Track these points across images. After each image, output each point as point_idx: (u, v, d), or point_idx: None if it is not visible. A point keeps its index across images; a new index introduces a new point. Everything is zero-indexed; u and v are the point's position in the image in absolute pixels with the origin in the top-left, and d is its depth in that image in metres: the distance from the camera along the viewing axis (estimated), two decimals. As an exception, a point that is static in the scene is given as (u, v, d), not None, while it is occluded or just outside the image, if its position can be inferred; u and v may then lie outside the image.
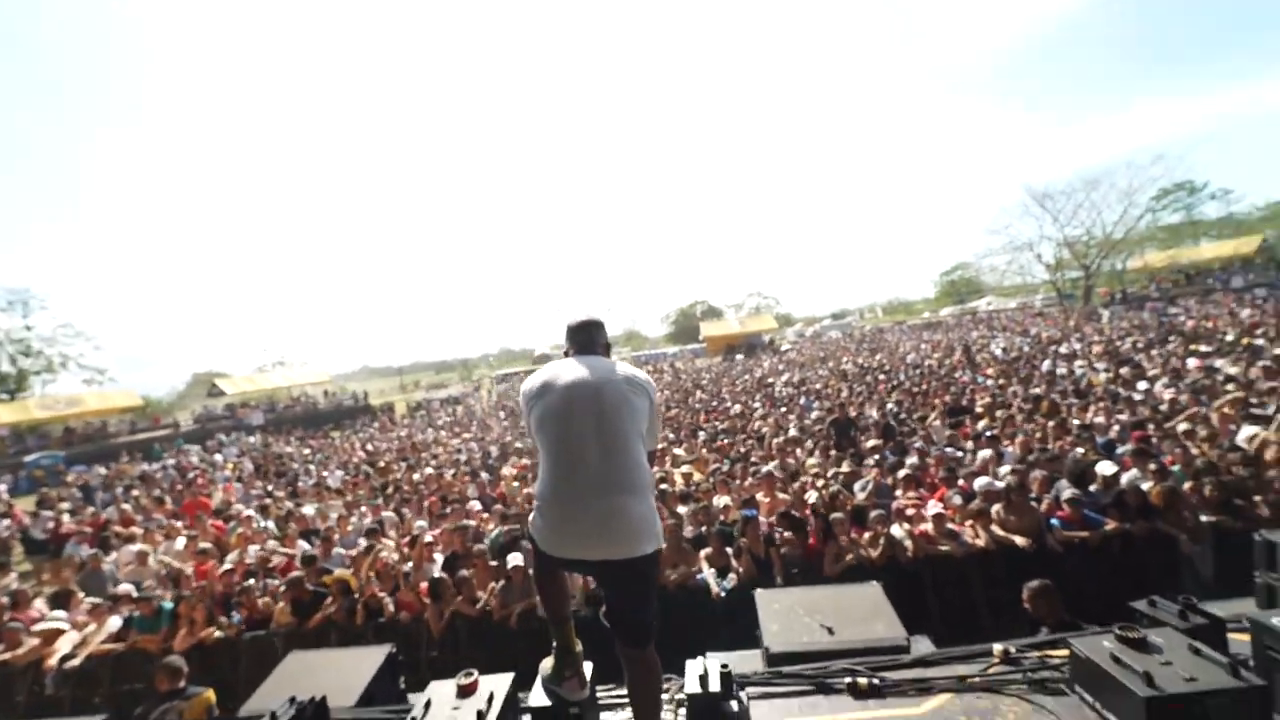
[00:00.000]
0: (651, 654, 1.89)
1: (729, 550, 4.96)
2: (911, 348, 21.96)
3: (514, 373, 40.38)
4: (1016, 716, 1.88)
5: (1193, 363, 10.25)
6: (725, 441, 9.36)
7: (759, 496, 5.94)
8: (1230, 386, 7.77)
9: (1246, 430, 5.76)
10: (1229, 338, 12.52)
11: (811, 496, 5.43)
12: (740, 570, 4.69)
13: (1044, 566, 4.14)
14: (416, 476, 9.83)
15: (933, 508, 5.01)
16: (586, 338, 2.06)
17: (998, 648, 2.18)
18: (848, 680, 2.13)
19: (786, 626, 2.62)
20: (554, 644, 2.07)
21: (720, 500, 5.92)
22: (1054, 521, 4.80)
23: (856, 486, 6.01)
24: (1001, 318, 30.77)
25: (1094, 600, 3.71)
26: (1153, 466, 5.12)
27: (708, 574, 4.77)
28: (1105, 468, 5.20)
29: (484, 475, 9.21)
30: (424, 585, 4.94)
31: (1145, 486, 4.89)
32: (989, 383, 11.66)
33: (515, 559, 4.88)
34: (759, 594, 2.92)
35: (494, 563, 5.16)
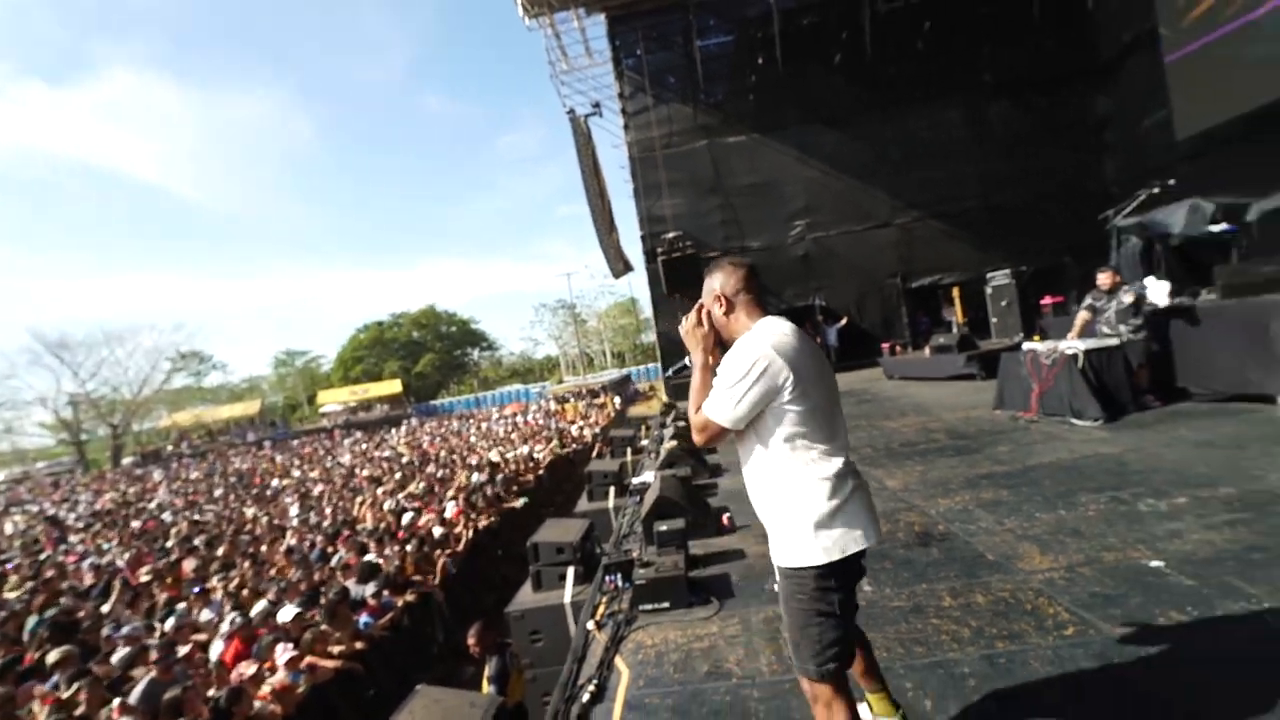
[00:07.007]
0: None
1: None
2: None
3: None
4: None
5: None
6: None
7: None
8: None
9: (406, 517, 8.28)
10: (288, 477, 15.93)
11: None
12: None
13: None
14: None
15: (282, 656, 4.40)
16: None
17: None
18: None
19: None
20: None
21: None
22: (366, 619, 5.37)
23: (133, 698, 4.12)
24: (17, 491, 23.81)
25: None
26: (386, 555, 6.62)
27: None
28: (373, 558, 6.25)
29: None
30: None
31: (391, 569, 6.29)
32: (110, 548, 9.60)
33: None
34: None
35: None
